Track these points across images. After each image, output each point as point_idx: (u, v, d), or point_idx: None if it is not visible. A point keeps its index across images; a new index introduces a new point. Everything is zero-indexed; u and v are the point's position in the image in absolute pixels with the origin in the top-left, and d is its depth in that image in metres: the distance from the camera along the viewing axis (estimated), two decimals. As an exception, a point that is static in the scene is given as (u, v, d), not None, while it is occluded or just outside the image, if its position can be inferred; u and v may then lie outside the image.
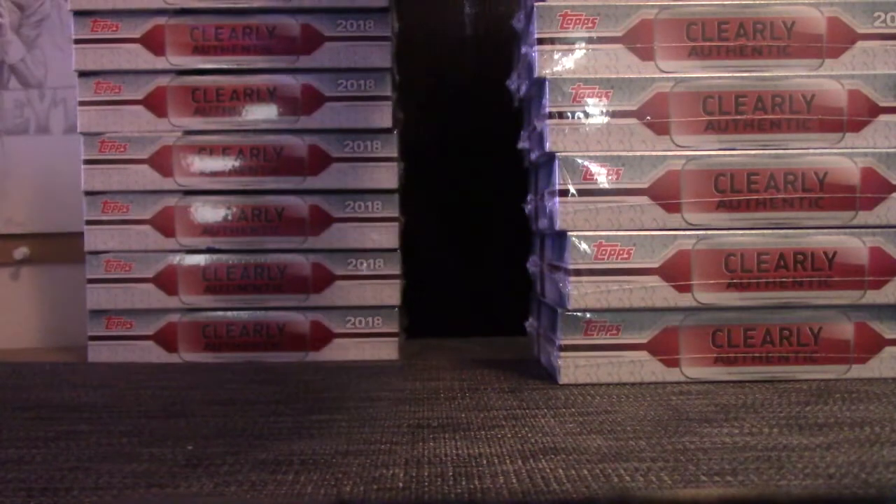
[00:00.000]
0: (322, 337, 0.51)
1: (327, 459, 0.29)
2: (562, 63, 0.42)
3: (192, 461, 0.29)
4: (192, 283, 0.52)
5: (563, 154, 0.42)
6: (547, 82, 0.42)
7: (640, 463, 0.28)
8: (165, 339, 0.52)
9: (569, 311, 0.41)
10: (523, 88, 0.49)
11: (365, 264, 0.51)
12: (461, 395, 0.39)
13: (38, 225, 0.71)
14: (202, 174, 0.51)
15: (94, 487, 0.26)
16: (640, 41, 0.42)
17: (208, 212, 0.52)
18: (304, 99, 0.51)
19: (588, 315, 0.41)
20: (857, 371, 0.41)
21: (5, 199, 0.71)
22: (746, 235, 0.41)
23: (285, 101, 0.51)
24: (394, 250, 0.51)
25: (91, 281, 0.52)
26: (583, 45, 0.42)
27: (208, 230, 0.52)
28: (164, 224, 0.52)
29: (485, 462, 0.28)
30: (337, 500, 0.25)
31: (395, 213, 0.52)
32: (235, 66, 0.51)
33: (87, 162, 0.52)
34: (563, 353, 0.42)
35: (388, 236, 0.51)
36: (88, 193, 0.52)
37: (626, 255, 0.41)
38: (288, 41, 0.51)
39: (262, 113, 0.51)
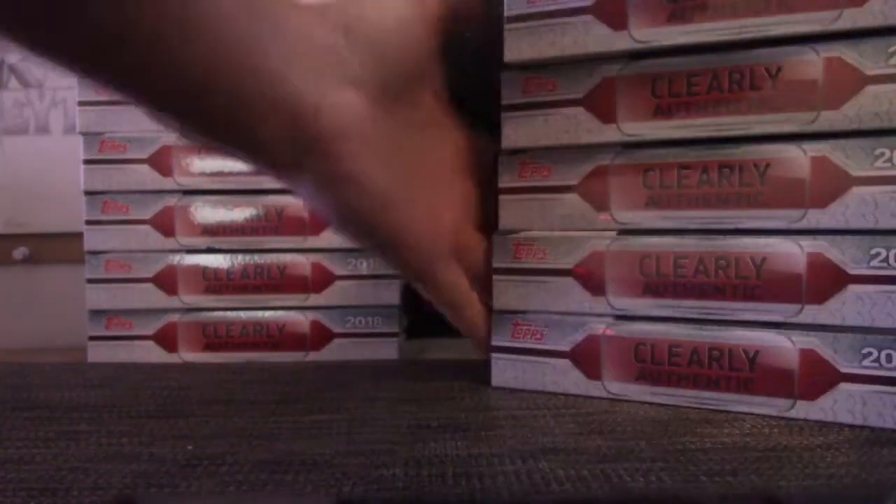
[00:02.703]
0: (322, 337, 0.51)
1: (327, 459, 0.29)
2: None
3: (192, 461, 0.29)
4: (191, 282, 0.52)
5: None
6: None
7: (640, 463, 0.28)
8: (165, 338, 0.52)
9: (496, 311, 0.40)
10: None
11: (365, 264, 0.51)
12: (461, 395, 0.39)
13: (38, 225, 0.71)
14: (202, 174, 0.51)
15: (93, 487, 0.26)
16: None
17: (208, 211, 0.52)
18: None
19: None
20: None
21: (5, 199, 0.71)
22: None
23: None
24: (394, 250, 0.51)
25: (91, 281, 0.52)
26: None
27: (208, 230, 0.52)
28: (163, 224, 0.52)
29: (485, 462, 0.28)
30: (337, 500, 0.25)
31: (395, 213, 0.51)
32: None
33: (87, 162, 0.52)
34: (494, 354, 0.40)
35: (388, 236, 0.51)
36: (88, 193, 0.52)
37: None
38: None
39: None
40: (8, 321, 0.69)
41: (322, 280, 0.51)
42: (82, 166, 0.52)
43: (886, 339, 0.31)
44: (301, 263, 0.52)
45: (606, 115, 0.37)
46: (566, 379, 0.38)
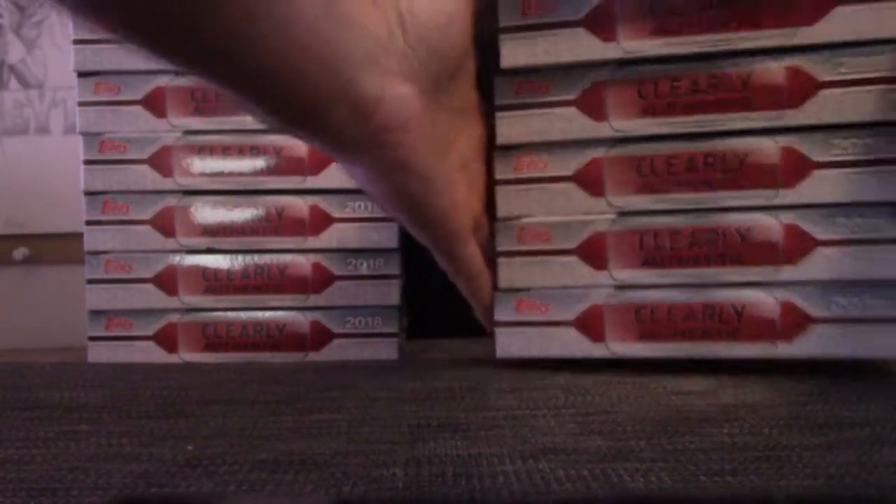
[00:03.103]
0: (322, 337, 0.51)
1: (327, 459, 0.29)
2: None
3: (192, 461, 0.29)
4: (192, 283, 0.52)
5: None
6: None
7: (640, 463, 0.28)
8: (165, 339, 0.52)
9: (499, 289, 0.44)
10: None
11: (365, 264, 0.51)
12: (461, 395, 0.39)
13: (38, 225, 0.71)
14: (202, 174, 0.51)
15: (93, 487, 0.26)
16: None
17: (208, 212, 0.52)
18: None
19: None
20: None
21: (5, 199, 0.71)
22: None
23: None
24: (394, 250, 0.51)
25: (91, 281, 0.52)
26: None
27: (208, 230, 0.52)
28: (164, 224, 0.52)
29: (485, 462, 0.28)
30: (337, 500, 0.25)
31: (395, 213, 0.52)
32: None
33: (87, 162, 0.52)
34: (498, 329, 0.44)
35: (388, 236, 0.51)
36: (88, 193, 0.52)
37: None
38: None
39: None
40: (8, 321, 0.69)
41: (322, 280, 0.51)
42: (82, 166, 0.52)
43: (848, 289, 0.40)
44: (301, 264, 0.52)
45: (598, 114, 0.42)
46: (571, 345, 0.43)
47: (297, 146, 0.51)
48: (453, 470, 0.27)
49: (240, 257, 0.52)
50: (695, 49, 0.40)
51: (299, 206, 0.51)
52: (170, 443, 0.31)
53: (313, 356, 0.52)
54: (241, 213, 0.52)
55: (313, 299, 0.52)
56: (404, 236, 0.52)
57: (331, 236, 0.51)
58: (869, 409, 0.35)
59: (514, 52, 0.42)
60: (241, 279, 0.52)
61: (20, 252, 0.70)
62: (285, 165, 0.51)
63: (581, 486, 0.25)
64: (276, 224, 0.52)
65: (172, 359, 0.52)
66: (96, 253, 0.52)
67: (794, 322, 0.40)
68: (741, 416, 0.34)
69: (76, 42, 0.52)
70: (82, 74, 0.52)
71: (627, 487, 0.25)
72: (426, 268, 0.45)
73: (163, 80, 0.51)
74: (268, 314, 0.52)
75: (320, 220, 0.51)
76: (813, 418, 0.34)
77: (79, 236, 0.52)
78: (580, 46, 0.41)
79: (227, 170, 0.51)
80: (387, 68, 0.36)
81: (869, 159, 0.39)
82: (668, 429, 0.32)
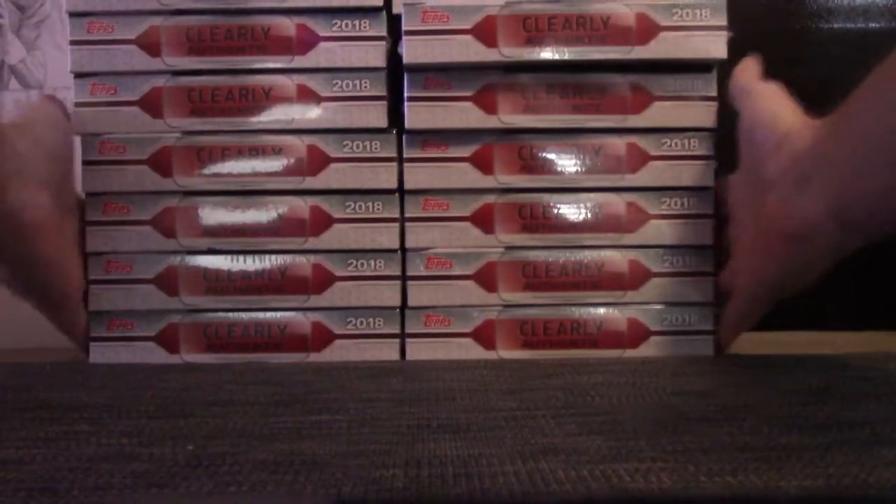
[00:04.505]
0: (323, 338, 0.51)
1: (327, 460, 0.29)
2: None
3: (192, 461, 0.29)
4: (192, 284, 0.52)
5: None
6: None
7: (640, 463, 0.28)
8: (166, 339, 0.52)
9: (409, 307, 0.52)
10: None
11: (366, 265, 0.51)
12: (461, 396, 0.39)
13: (39, 226, 0.70)
14: (202, 175, 0.51)
15: (94, 487, 0.26)
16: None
17: (208, 213, 0.52)
18: (300, 99, 0.51)
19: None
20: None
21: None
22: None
23: (280, 102, 0.51)
24: (394, 251, 0.51)
25: (92, 282, 0.52)
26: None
27: (209, 231, 0.52)
28: (164, 225, 0.52)
29: (485, 462, 0.28)
30: (337, 500, 0.25)
31: (396, 214, 0.52)
32: (231, 67, 0.51)
33: (87, 163, 0.52)
34: (410, 340, 0.52)
35: (389, 237, 0.51)
36: (89, 195, 0.52)
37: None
38: (283, 41, 0.51)
39: (259, 114, 0.51)
40: (8, 321, 0.69)
41: (323, 281, 0.51)
42: (82, 167, 0.52)
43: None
44: (302, 264, 0.52)
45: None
46: (468, 352, 0.51)
47: (298, 147, 0.51)
48: (453, 470, 0.27)
49: (240, 258, 0.52)
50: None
51: (300, 206, 0.51)
52: (170, 443, 0.32)
53: (314, 357, 0.52)
54: (242, 214, 0.52)
55: (314, 300, 0.52)
56: (405, 237, 0.52)
57: (331, 237, 0.51)
58: (869, 409, 0.35)
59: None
60: (241, 280, 0.52)
61: (21, 253, 0.70)
62: (285, 166, 0.51)
63: (581, 486, 0.25)
64: (277, 225, 0.52)
65: (173, 359, 0.52)
66: (97, 253, 0.52)
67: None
68: (741, 416, 0.34)
69: (73, 42, 0.52)
70: (79, 75, 0.52)
71: (627, 487, 0.25)
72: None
73: (160, 81, 0.51)
74: (269, 315, 0.52)
75: (321, 221, 0.51)
76: (813, 418, 0.34)
77: (79, 237, 0.52)
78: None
79: (227, 170, 0.51)
80: (27, 178, 0.45)
81: (688, 213, 0.52)
82: (668, 429, 0.32)
